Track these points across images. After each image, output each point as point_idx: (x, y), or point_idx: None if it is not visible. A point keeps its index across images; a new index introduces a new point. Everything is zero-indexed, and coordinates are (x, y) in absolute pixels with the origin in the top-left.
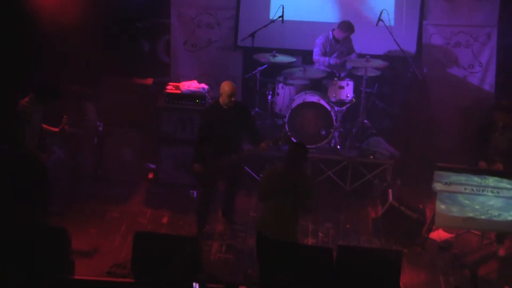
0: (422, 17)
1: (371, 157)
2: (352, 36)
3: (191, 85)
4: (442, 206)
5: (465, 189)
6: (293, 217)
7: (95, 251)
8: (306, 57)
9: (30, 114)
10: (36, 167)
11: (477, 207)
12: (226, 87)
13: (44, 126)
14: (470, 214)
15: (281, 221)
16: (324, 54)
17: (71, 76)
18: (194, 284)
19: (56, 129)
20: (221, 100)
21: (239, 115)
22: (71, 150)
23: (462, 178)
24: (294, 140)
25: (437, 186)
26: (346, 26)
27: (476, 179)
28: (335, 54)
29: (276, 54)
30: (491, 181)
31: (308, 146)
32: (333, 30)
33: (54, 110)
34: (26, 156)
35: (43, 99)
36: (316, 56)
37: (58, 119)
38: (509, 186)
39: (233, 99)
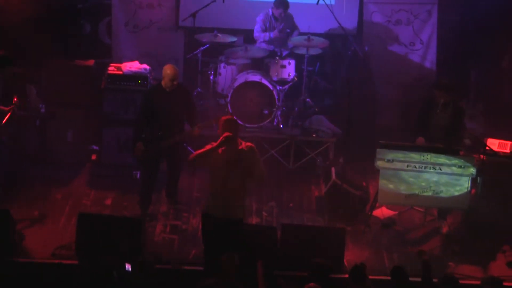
0: None
1: (314, 135)
2: (294, 15)
3: (133, 66)
4: (385, 184)
5: (407, 166)
6: (241, 193)
7: (42, 217)
8: (247, 36)
9: None
10: None
11: (419, 184)
12: (168, 70)
13: None
14: (413, 191)
15: (229, 198)
16: (265, 30)
17: (11, 58)
18: (126, 265)
19: (6, 108)
20: (163, 83)
21: (181, 97)
22: (13, 132)
23: (404, 155)
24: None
25: (380, 163)
26: (279, 2)
27: (418, 156)
28: (275, 31)
29: (218, 34)
30: (433, 157)
31: (250, 125)
32: (272, 7)
33: None
34: None
35: None
36: (256, 33)
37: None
38: (449, 162)
39: (175, 82)
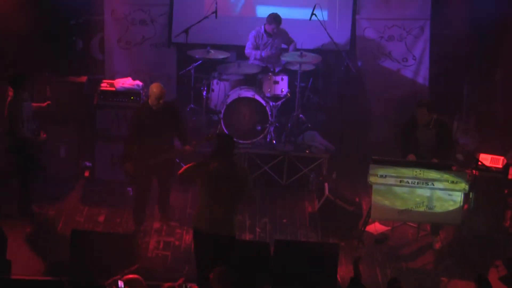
0: (355, 11)
1: (307, 151)
2: (287, 31)
3: (126, 82)
4: (378, 199)
5: (400, 181)
6: (231, 209)
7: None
8: (240, 52)
9: (20, 104)
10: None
11: (412, 199)
12: (154, 88)
13: (34, 104)
14: (406, 207)
15: (218, 214)
16: (257, 47)
17: (3, 74)
18: (119, 282)
19: (44, 104)
20: (150, 101)
21: (168, 116)
22: (4, 148)
23: (397, 170)
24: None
25: (373, 179)
26: (272, 18)
27: (410, 172)
28: (268, 48)
29: (210, 50)
30: (425, 173)
31: (244, 142)
32: (265, 24)
33: None
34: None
35: (18, 84)
36: (248, 49)
37: None
38: (442, 177)
39: (161, 101)
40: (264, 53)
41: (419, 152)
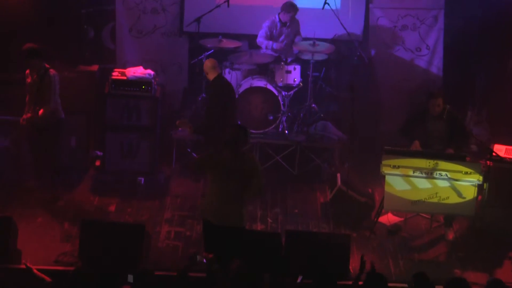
0: (368, 0)
1: (319, 141)
2: (299, 20)
3: (137, 71)
4: (391, 190)
5: (413, 172)
6: (239, 201)
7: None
8: (252, 41)
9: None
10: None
11: (425, 190)
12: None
13: None
14: (419, 198)
15: (227, 205)
16: (270, 37)
17: (14, 64)
18: (128, 276)
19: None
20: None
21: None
22: (15, 138)
23: (410, 161)
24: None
25: (385, 169)
26: (289, 6)
27: (423, 162)
28: (282, 37)
29: (222, 39)
30: (439, 164)
31: (255, 131)
32: (279, 13)
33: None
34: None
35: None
36: (260, 38)
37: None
38: (456, 168)
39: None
40: (275, 46)
41: (431, 143)
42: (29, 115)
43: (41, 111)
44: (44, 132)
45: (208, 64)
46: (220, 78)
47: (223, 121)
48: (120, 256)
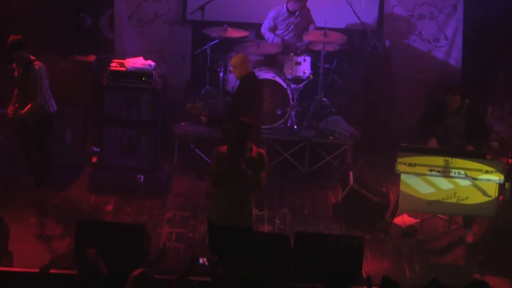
0: None
1: (330, 137)
2: (310, 8)
3: (137, 62)
4: (406, 189)
5: (430, 170)
6: (247, 200)
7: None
8: (260, 31)
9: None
10: None
11: (443, 190)
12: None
13: None
14: (436, 198)
15: (235, 205)
16: (274, 28)
17: (6, 54)
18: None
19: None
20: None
21: None
22: (9, 133)
23: (427, 159)
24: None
25: (401, 168)
26: None
27: (441, 160)
28: (290, 28)
29: (228, 28)
30: (458, 162)
31: (263, 126)
32: (287, 2)
33: None
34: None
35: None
36: (263, 28)
37: None
38: (475, 167)
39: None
40: (276, 39)
41: (449, 140)
42: (16, 106)
43: (27, 107)
44: (34, 126)
45: (238, 59)
46: (252, 77)
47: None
48: (119, 258)
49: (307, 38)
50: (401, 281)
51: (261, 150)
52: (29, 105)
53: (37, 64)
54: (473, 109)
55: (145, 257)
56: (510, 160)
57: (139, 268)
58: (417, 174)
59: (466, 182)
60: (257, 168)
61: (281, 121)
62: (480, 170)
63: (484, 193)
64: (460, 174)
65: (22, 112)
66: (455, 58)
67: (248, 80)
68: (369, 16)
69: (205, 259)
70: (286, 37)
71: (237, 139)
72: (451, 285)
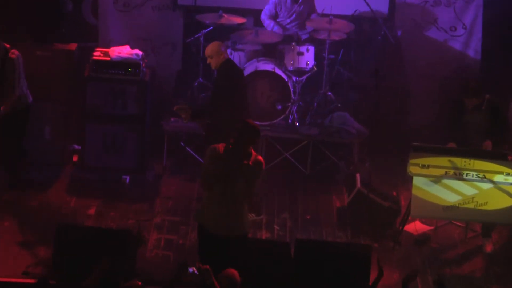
0: None
1: (336, 135)
2: None
3: (123, 51)
4: (419, 193)
5: (445, 173)
6: (242, 205)
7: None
8: (258, 17)
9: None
10: None
11: (460, 193)
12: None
13: None
14: (452, 202)
15: (228, 210)
16: (275, 16)
17: None
18: None
19: None
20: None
21: None
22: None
23: (442, 159)
24: None
25: (413, 169)
26: None
27: (458, 161)
28: (293, 17)
29: (223, 14)
30: (476, 163)
31: (261, 123)
32: None
33: None
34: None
35: None
36: (263, 15)
37: None
38: (496, 169)
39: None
40: (276, 29)
41: (468, 138)
42: None
43: (6, 104)
44: (9, 120)
45: (213, 48)
46: (229, 62)
47: (229, 112)
48: (102, 267)
49: (310, 25)
50: None
51: (260, 157)
52: (8, 101)
53: (14, 53)
54: (495, 104)
55: (130, 265)
56: None
57: (124, 277)
58: (431, 177)
59: (485, 186)
60: (251, 178)
61: (281, 117)
62: (501, 173)
63: (506, 198)
64: (479, 176)
65: (1, 108)
66: (473, 49)
67: (227, 67)
68: (380, 2)
69: (194, 268)
70: (287, 26)
71: (241, 142)
72: None
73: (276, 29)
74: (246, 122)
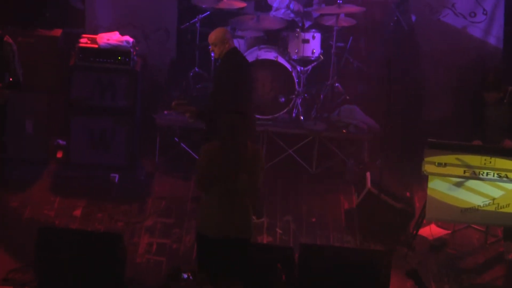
0: None
1: (344, 131)
2: None
3: (112, 38)
4: (435, 194)
5: (464, 172)
6: (244, 206)
7: None
8: (260, 2)
9: None
10: None
11: (480, 195)
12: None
13: None
14: (471, 204)
15: (229, 213)
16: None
17: None
18: None
19: None
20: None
21: None
22: None
23: (460, 158)
24: None
25: (429, 168)
26: None
27: (478, 160)
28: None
29: None
30: (498, 162)
31: (262, 117)
32: None
33: None
34: None
35: None
36: None
37: None
38: None
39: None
40: (292, 5)
41: (489, 134)
42: None
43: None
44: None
45: (218, 34)
46: (235, 52)
47: (234, 106)
48: (88, 273)
49: (317, 10)
50: None
51: (256, 147)
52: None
53: (9, 39)
54: None
55: (119, 272)
56: None
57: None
58: (448, 176)
59: (507, 186)
60: (251, 171)
61: (285, 111)
62: None
63: None
64: (501, 176)
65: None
66: (495, 36)
67: (232, 57)
68: None
69: (189, 273)
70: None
71: (229, 134)
72: None
73: (292, 5)
74: (232, 112)
